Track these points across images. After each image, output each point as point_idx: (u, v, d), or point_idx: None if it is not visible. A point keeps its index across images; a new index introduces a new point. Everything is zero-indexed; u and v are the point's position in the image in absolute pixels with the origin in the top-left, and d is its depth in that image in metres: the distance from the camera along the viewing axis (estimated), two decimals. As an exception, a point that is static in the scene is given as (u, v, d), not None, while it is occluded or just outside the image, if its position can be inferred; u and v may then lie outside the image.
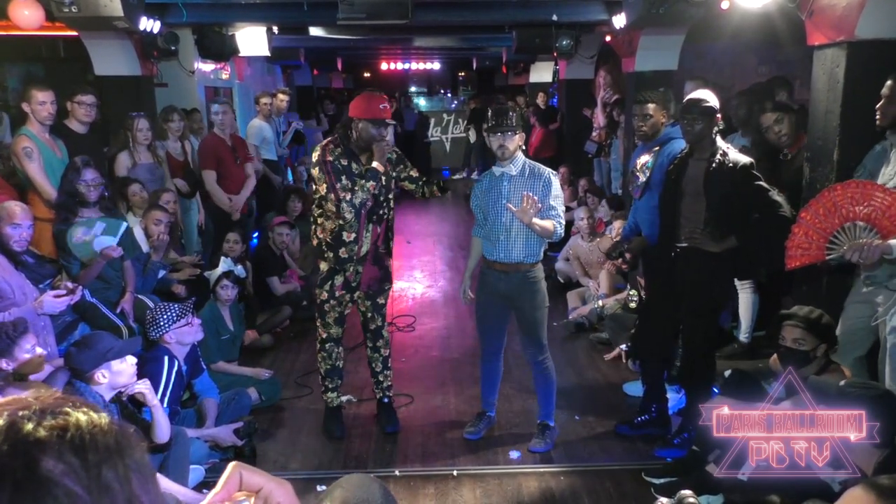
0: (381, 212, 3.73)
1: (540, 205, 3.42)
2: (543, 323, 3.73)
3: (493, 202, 3.62)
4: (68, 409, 0.64)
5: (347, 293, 3.81)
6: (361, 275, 3.78)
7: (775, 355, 3.38)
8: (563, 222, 3.60)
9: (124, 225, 4.15)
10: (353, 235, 3.69)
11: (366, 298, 3.89)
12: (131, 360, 3.11)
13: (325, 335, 3.90)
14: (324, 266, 3.80)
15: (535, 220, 3.44)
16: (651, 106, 3.96)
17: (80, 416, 0.64)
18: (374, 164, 3.59)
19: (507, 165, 3.59)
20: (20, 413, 0.63)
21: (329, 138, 3.84)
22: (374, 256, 3.78)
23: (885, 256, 2.94)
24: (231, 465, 0.84)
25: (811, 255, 3.06)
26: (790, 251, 3.11)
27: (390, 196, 3.78)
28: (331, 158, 3.63)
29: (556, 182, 3.60)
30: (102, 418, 0.66)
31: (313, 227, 3.83)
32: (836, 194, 3.00)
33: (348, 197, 3.55)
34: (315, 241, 3.84)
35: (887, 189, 2.94)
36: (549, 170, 3.64)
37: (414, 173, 3.89)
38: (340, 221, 3.65)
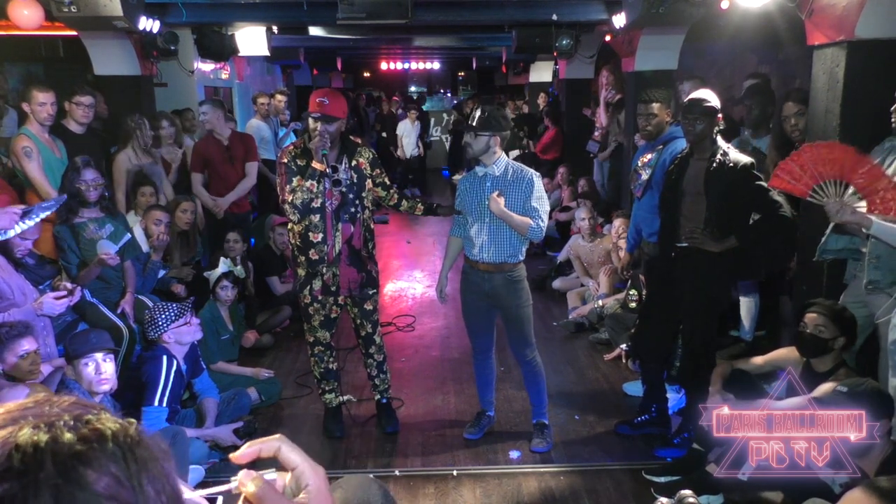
0: (352, 210, 3.65)
1: (503, 198, 3.48)
2: (529, 320, 3.73)
3: (475, 203, 3.62)
4: (91, 418, 0.63)
5: (329, 297, 3.76)
6: (339, 277, 3.71)
7: (783, 349, 3.39)
8: (544, 223, 3.59)
9: (127, 237, 4.17)
10: (321, 236, 3.62)
11: (353, 305, 3.84)
12: (100, 355, 3.18)
13: (311, 339, 3.89)
14: (300, 271, 3.76)
15: (508, 211, 3.47)
16: (656, 105, 3.97)
17: (111, 425, 0.63)
18: (313, 163, 3.50)
19: (490, 166, 3.58)
20: (54, 423, 0.61)
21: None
22: (350, 257, 3.71)
23: (864, 230, 2.98)
24: (276, 435, 0.83)
25: (796, 188, 3.10)
26: (779, 172, 3.14)
27: (364, 195, 3.70)
28: (286, 160, 3.60)
29: (538, 183, 3.59)
30: (131, 425, 0.65)
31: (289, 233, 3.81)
32: (844, 152, 3.03)
33: (290, 198, 3.51)
34: (289, 248, 3.82)
35: (892, 179, 2.96)
36: (531, 171, 3.64)
37: (387, 180, 3.83)
38: (306, 223, 3.61)
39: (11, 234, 3.33)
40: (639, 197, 4.13)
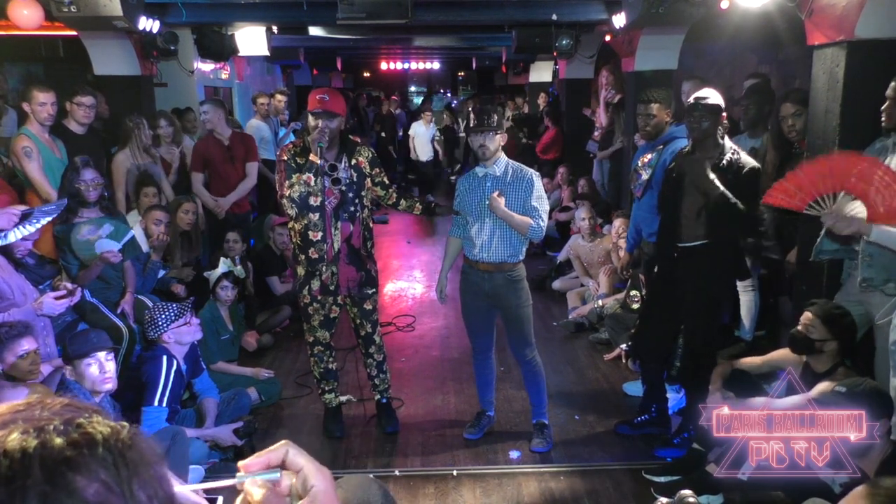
0: (351, 209, 3.66)
1: (503, 198, 3.47)
2: (529, 320, 3.74)
3: (476, 203, 3.62)
4: (83, 421, 0.62)
5: (329, 296, 3.76)
6: (338, 276, 3.71)
7: (783, 349, 3.39)
8: (545, 223, 3.60)
9: (130, 234, 4.16)
10: (320, 234, 3.63)
11: (352, 305, 3.84)
12: (103, 354, 3.18)
13: (311, 339, 3.89)
14: (300, 270, 3.77)
15: (508, 211, 3.47)
16: (655, 105, 3.97)
17: (102, 429, 0.62)
18: (310, 156, 3.52)
19: (490, 166, 3.59)
20: (44, 428, 0.60)
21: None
22: (349, 256, 3.71)
23: (864, 237, 2.96)
24: (281, 442, 0.83)
25: (792, 204, 3.07)
26: (774, 191, 3.12)
27: (363, 194, 3.71)
28: (286, 157, 3.62)
29: (538, 183, 3.60)
30: (123, 429, 0.64)
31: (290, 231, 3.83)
32: (836, 161, 3.02)
33: (287, 193, 3.52)
34: (290, 247, 3.82)
35: (891, 171, 2.94)
36: (531, 171, 3.65)
37: (386, 179, 3.84)
38: (305, 221, 3.62)
39: (12, 238, 3.33)
40: (639, 197, 4.13)
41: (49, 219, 3.53)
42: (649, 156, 4.05)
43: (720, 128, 3.43)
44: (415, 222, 9.94)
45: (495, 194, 3.50)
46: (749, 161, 3.41)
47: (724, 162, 3.39)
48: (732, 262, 3.52)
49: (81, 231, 4.00)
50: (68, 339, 3.34)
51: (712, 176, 3.31)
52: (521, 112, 12.35)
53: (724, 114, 3.47)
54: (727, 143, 3.45)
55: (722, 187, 3.29)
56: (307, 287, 3.75)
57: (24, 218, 3.37)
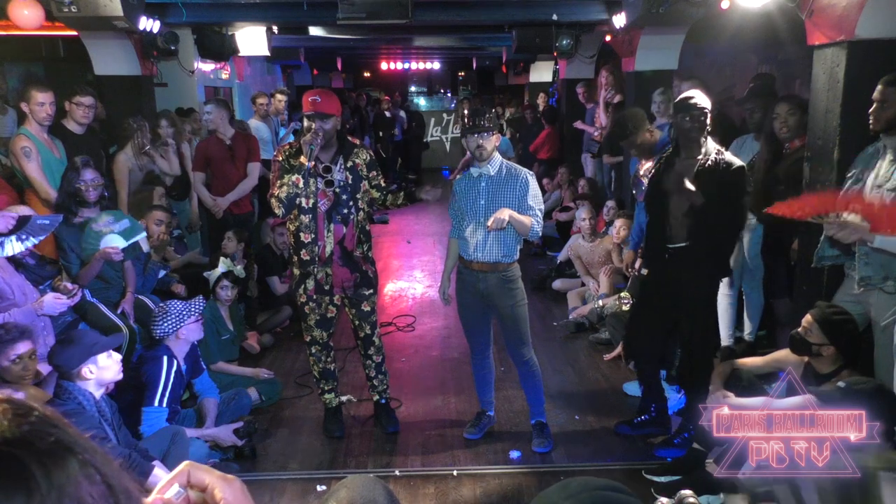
0: (344, 211, 3.66)
1: (504, 225, 3.44)
2: (525, 319, 3.73)
3: (471, 202, 3.62)
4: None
5: (325, 296, 3.77)
6: (332, 276, 3.72)
7: (784, 350, 3.40)
8: (542, 221, 3.61)
9: (142, 234, 4.16)
10: (311, 236, 3.64)
11: (350, 306, 3.85)
12: (116, 357, 3.13)
13: (309, 338, 3.90)
14: (296, 271, 3.78)
15: (513, 214, 3.45)
16: None
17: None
18: (301, 158, 3.52)
19: (484, 166, 3.59)
20: None
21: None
22: (343, 258, 3.71)
23: (868, 244, 2.96)
24: (183, 463, 0.83)
25: (794, 214, 3.06)
26: (777, 205, 3.12)
27: (358, 196, 3.70)
28: (280, 158, 3.62)
29: (532, 182, 3.60)
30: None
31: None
32: (832, 198, 3.04)
33: (276, 192, 3.52)
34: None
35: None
36: (525, 170, 3.65)
37: (382, 182, 3.84)
38: (297, 223, 3.63)
39: (9, 250, 3.35)
40: (641, 200, 4.13)
41: (44, 237, 3.54)
42: (650, 163, 4.05)
43: (705, 129, 3.43)
44: (414, 222, 9.93)
45: (491, 221, 3.44)
46: (734, 160, 3.41)
47: (709, 163, 3.39)
48: (716, 262, 3.53)
49: (100, 221, 4.00)
50: (57, 354, 3.06)
51: (689, 185, 3.31)
52: (520, 112, 12.35)
53: (710, 115, 3.47)
54: (710, 143, 3.45)
55: (692, 188, 3.30)
56: (303, 286, 3.76)
57: (20, 224, 3.38)
